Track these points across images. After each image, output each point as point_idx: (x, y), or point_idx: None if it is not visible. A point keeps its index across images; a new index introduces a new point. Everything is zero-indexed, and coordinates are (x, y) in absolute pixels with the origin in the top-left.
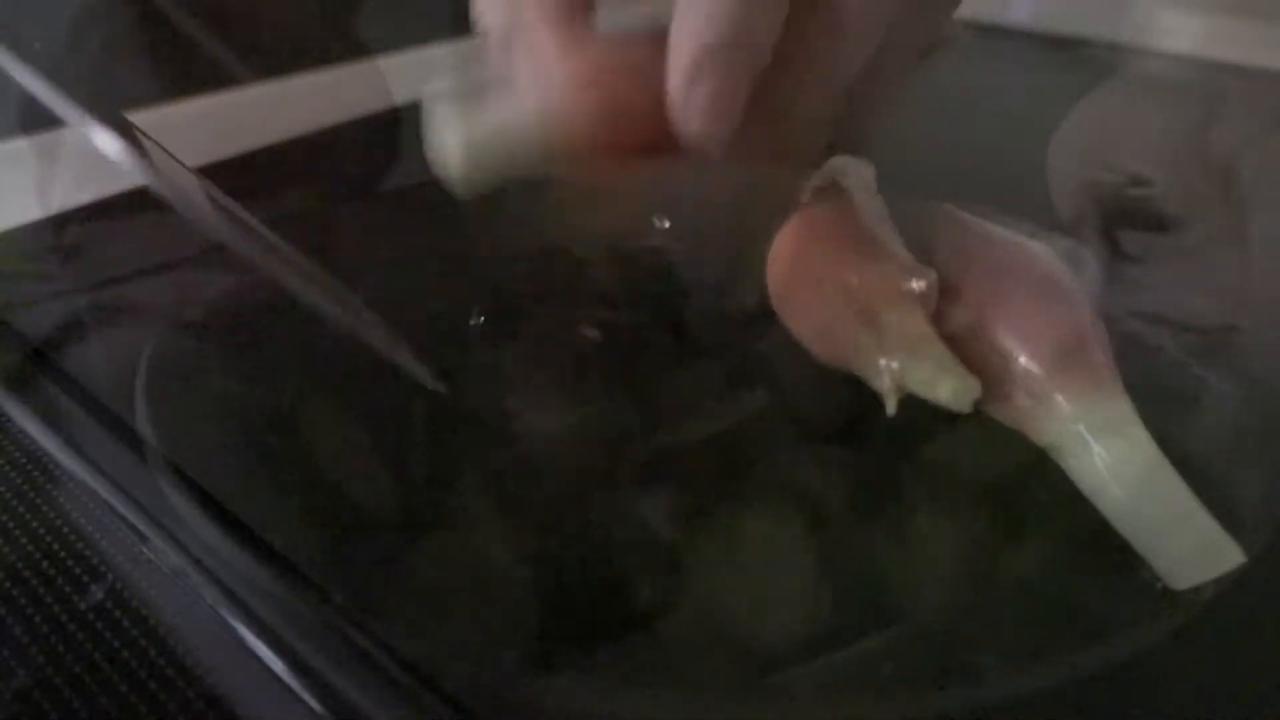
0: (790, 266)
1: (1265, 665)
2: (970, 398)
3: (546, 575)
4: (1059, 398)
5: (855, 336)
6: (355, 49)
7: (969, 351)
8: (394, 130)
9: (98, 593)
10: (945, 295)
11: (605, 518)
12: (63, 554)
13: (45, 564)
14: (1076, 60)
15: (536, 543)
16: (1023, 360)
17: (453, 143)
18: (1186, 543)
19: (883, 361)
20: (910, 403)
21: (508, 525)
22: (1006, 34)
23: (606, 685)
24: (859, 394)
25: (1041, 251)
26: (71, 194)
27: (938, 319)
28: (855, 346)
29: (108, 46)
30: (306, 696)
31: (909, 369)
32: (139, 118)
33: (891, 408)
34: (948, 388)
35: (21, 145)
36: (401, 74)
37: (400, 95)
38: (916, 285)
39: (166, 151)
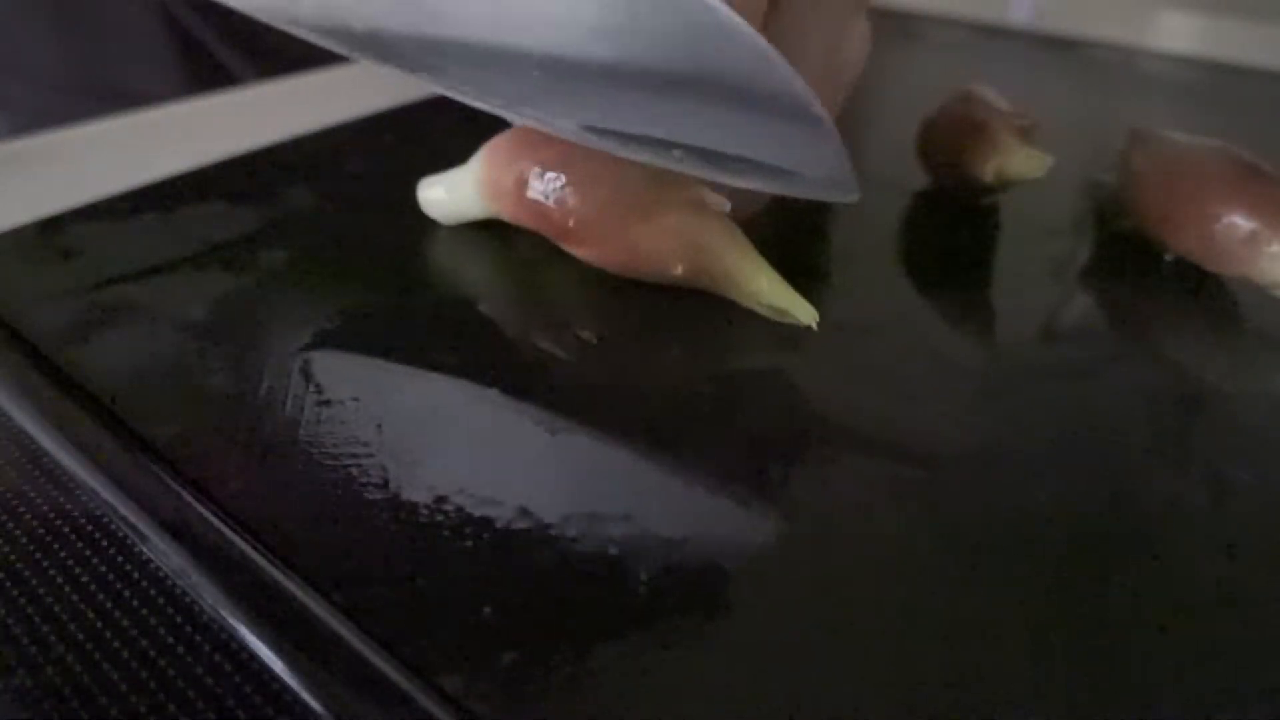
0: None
1: None
2: (1045, 163)
3: (547, 573)
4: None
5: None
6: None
7: (1200, 225)
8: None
9: None
10: (1168, 189)
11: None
12: (62, 554)
13: (45, 564)
14: (1076, 60)
15: (540, 539)
16: (1246, 222)
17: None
18: None
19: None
20: None
21: (512, 523)
22: (1006, 34)
23: (607, 687)
24: None
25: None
26: (71, 194)
27: (1169, 206)
28: (975, 156)
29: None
30: (306, 696)
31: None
32: (148, 115)
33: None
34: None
35: (21, 145)
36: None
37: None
38: (1018, 120)
39: None
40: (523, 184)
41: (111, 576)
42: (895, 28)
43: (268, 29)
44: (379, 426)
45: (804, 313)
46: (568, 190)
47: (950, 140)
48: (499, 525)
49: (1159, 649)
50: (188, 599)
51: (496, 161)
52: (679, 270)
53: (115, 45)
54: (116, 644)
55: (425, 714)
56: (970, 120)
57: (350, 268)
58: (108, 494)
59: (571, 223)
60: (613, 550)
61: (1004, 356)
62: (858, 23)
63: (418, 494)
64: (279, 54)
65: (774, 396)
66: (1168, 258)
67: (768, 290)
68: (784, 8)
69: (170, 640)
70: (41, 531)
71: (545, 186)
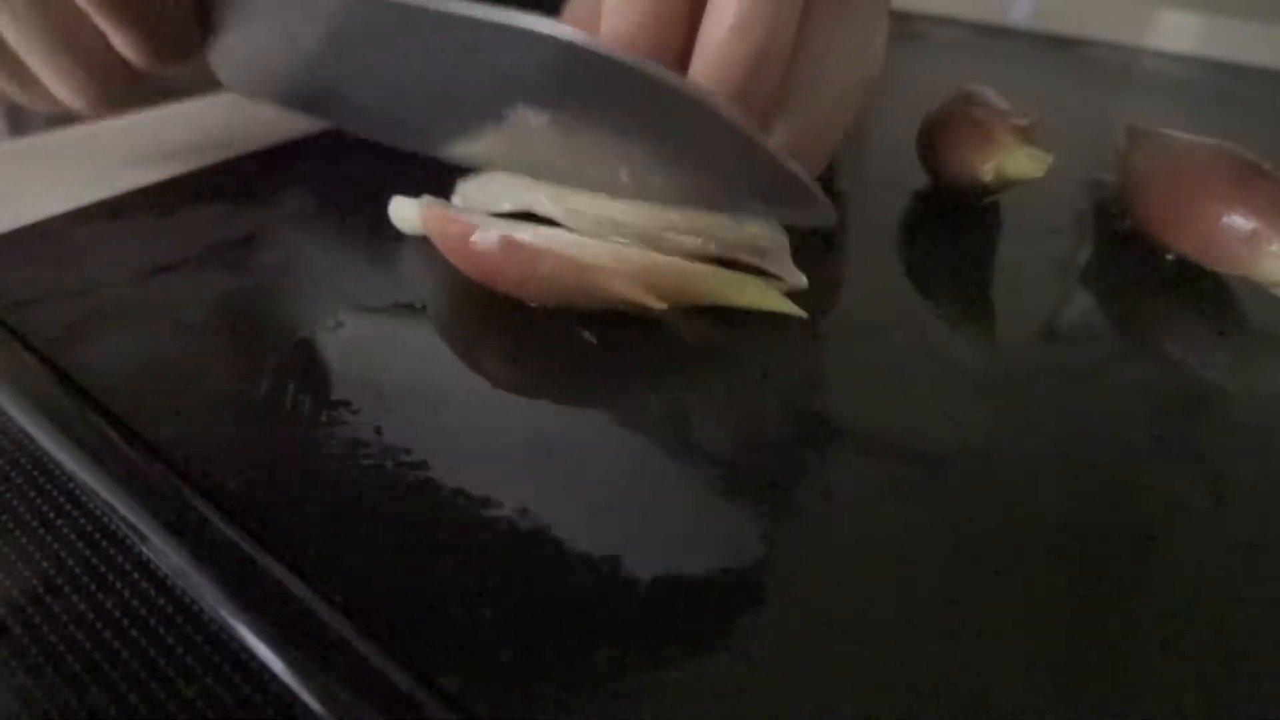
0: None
1: None
2: (1045, 163)
3: (547, 573)
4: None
5: (977, 150)
6: None
7: (1200, 224)
8: None
9: None
10: (1165, 187)
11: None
12: (62, 554)
13: (44, 564)
14: (1077, 60)
15: (538, 538)
16: (1246, 222)
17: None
18: None
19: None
20: None
21: (512, 522)
22: (1006, 34)
23: (607, 687)
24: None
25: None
26: (72, 195)
27: (1166, 203)
28: (975, 156)
29: None
30: (306, 696)
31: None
32: (148, 116)
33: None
34: (1034, 158)
35: (21, 145)
36: None
37: None
38: (1018, 120)
39: None
40: (466, 239)
41: (111, 576)
42: (895, 28)
43: None
44: (378, 428)
45: (793, 311)
46: (521, 253)
47: (950, 140)
48: (499, 525)
49: (1159, 648)
50: (188, 599)
51: (438, 217)
52: (665, 306)
53: None
54: (116, 644)
55: (425, 714)
56: (970, 120)
57: (349, 269)
58: (108, 494)
59: (530, 288)
60: (613, 550)
61: (1004, 356)
62: (882, 22)
63: (417, 494)
64: None
65: (774, 396)
66: (1168, 258)
67: (758, 299)
68: (812, 14)
69: (170, 640)
70: (41, 532)
71: (489, 245)
